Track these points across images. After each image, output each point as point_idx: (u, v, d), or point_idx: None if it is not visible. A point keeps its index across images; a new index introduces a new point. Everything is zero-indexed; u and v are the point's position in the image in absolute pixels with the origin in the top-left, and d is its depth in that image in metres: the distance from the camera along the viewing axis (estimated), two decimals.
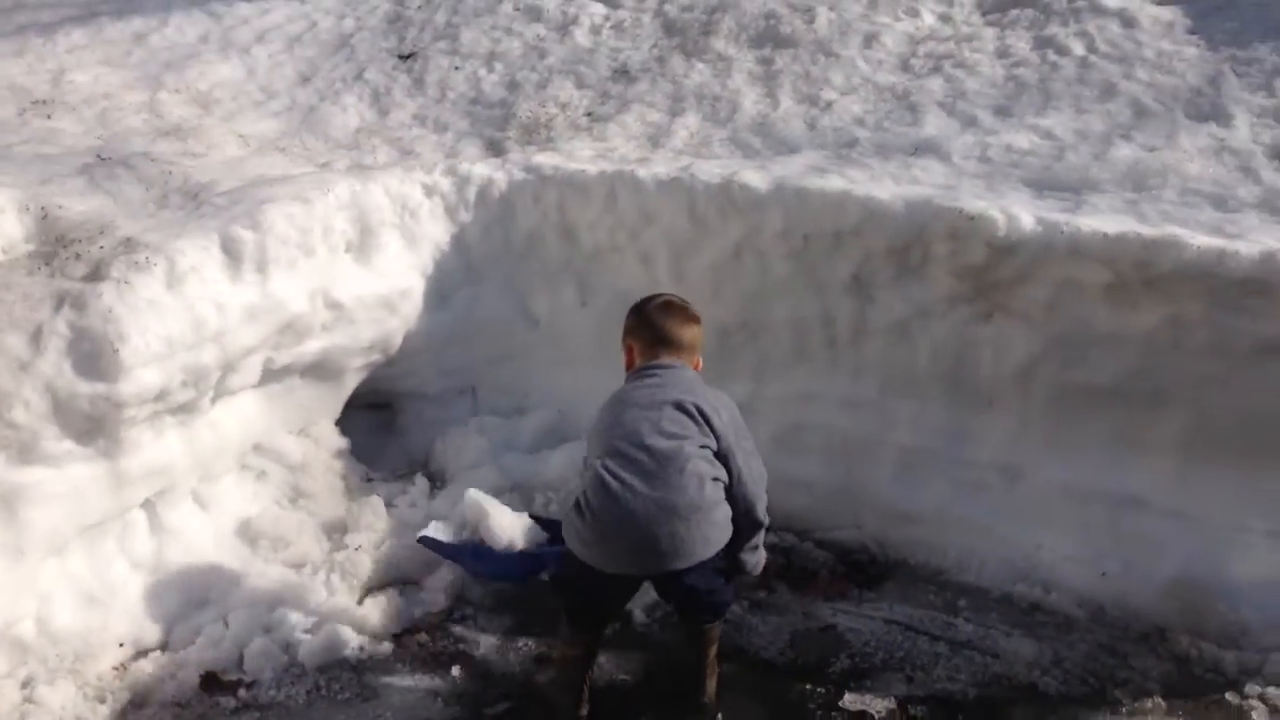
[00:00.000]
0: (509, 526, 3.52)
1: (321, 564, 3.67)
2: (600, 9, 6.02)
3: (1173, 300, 3.49)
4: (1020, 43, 4.99)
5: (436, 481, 4.27)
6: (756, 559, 3.11)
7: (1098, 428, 3.79)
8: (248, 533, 3.72)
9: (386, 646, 3.43)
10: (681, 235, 4.23)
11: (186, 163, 4.32)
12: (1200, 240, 3.36)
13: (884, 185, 3.99)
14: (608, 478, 2.83)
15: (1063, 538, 3.84)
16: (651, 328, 3.12)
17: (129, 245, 3.46)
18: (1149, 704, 3.26)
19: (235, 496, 3.78)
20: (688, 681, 3.12)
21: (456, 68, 5.69)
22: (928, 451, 4.06)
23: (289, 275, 3.75)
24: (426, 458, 4.46)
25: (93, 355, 3.16)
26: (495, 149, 4.90)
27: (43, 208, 3.69)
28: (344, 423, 4.30)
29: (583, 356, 4.56)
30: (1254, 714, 3.21)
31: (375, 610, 3.51)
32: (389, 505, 3.98)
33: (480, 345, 4.60)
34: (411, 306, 4.24)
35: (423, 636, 3.52)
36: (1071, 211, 3.72)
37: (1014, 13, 5.26)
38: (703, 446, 2.88)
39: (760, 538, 3.08)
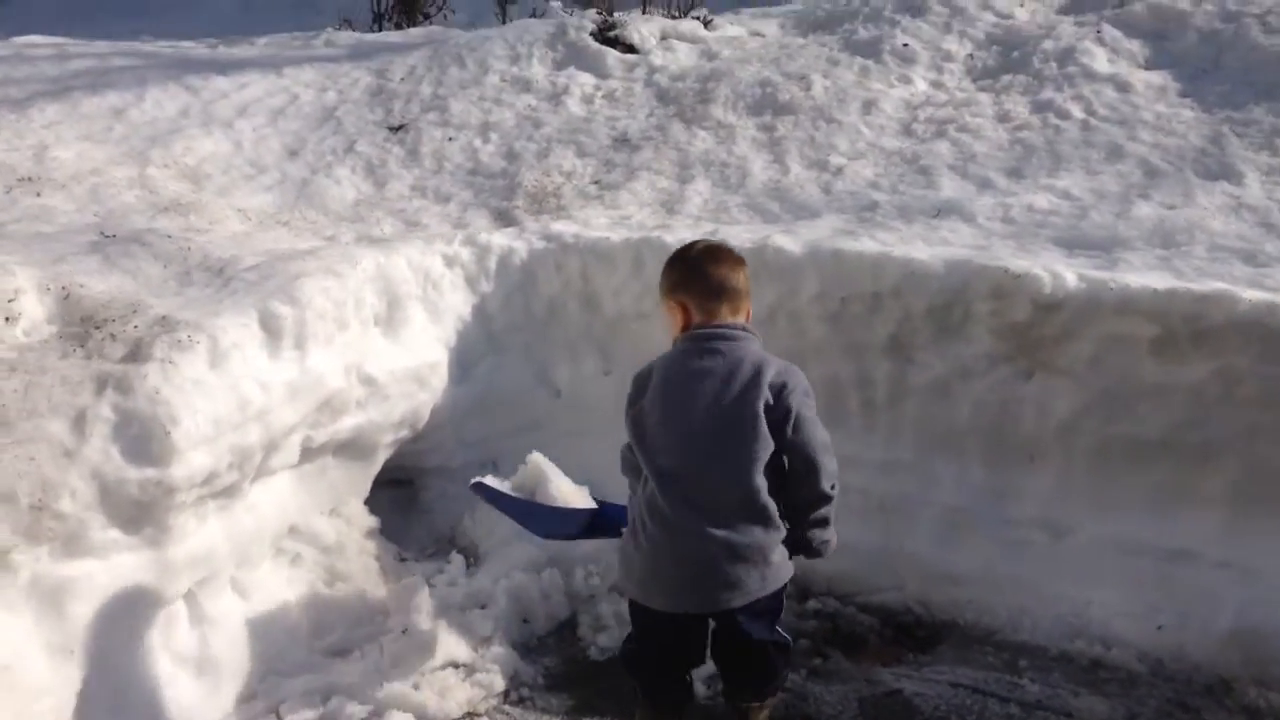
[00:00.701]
0: (570, 495, 3.35)
1: (369, 649, 3.50)
2: (589, 79, 6.04)
3: (1221, 353, 3.53)
4: (1018, 107, 5.10)
5: (469, 558, 4.12)
6: (825, 536, 2.80)
7: (1143, 481, 3.80)
8: (288, 620, 3.53)
9: None
10: None
11: (198, 239, 4.18)
12: (1251, 294, 3.42)
13: (916, 246, 4.02)
14: (662, 505, 2.65)
15: (1113, 593, 3.81)
16: (705, 278, 2.79)
17: (165, 324, 3.31)
18: None
19: (273, 582, 3.60)
20: None
21: (450, 139, 5.64)
22: (969, 511, 4.03)
23: (326, 351, 3.63)
24: (453, 534, 4.32)
25: (142, 439, 2.99)
26: (505, 219, 4.85)
27: (63, 287, 3.53)
28: (369, 502, 4.15)
29: (606, 426, 4.44)
30: None
31: (432, 694, 3.34)
32: (429, 585, 3.83)
33: (501, 417, 4.49)
34: (439, 380, 4.14)
35: None
36: (1109, 269, 3.77)
37: (1005, 78, 5.40)
38: (765, 447, 2.65)
39: (827, 511, 2.77)
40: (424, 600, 3.74)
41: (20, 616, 2.82)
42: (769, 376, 2.67)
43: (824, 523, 2.77)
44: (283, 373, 3.46)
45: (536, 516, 3.35)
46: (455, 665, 3.54)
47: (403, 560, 4.05)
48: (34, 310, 3.42)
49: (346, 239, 4.63)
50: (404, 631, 3.56)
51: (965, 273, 3.77)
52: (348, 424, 3.75)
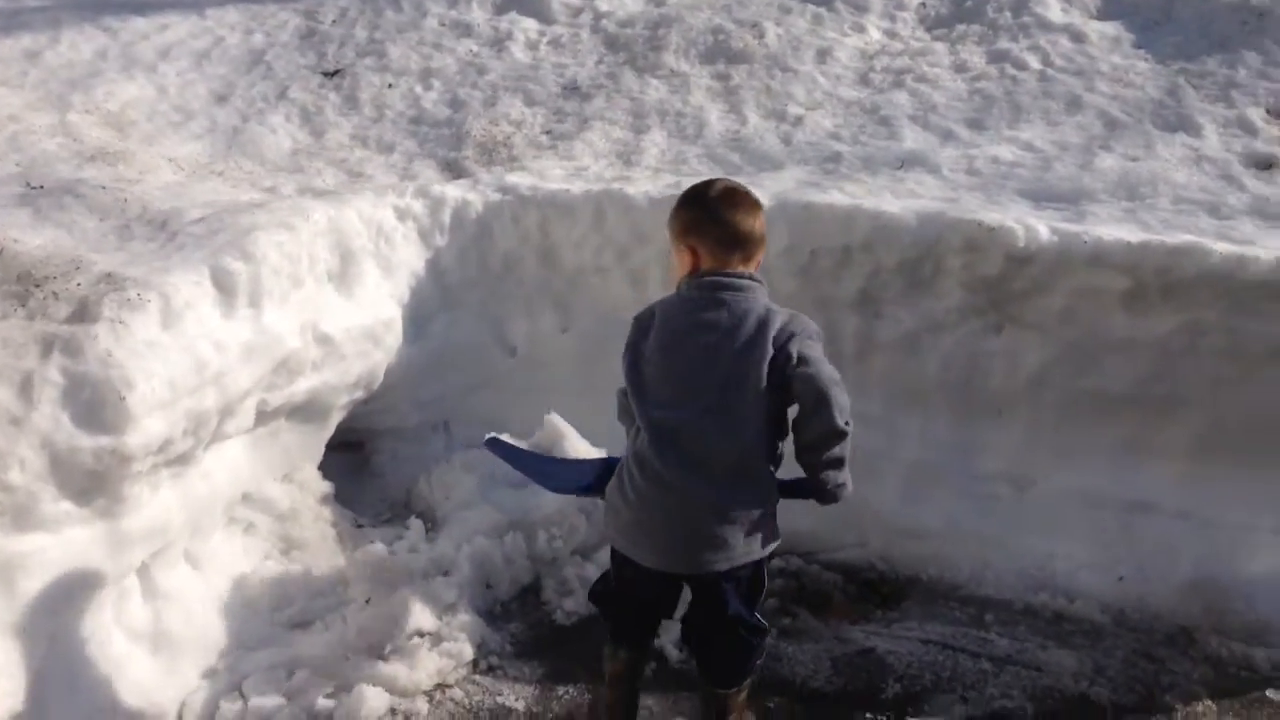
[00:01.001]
0: (585, 454, 3.34)
1: (332, 620, 3.36)
2: (533, 24, 5.83)
3: (1190, 306, 3.55)
4: (974, 57, 5.05)
5: (427, 523, 3.98)
6: (840, 478, 2.60)
7: (1108, 434, 3.83)
8: (246, 592, 3.38)
9: (421, 705, 3.16)
10: None
11: (132, 189, 3.93)
12: (1222, 246, 3.43)
13: (885, 199, 3.95)
14: (653, 459, 2.55)
15: (1076, 545, 3.85)
16: (721, 223, 2.63)
17: (112, 281, 3.10)
18: (1200, 707, 3.27)
19: (226, 553, 3.44)
20: None
21: (390, 85, 5.41)
22: (935, 465, 4.02)
23: (281, 309, 3.45)
24: (408, 498, 4.18)
25: (94, 405, 2.79)
26: (454, 169, 4.66)
27: None
28: (321, 466, 3.98)
29: (564, 383, 4.36)
30: None
31: (401, 666, 3.22)
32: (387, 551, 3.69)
33: (455, 376, 4.35)
34: (393, 338, 3.98)
35: (456, 692, 3.26)
36: (1078, 221, 3.75)
37: (960, 28, 5.33)
38: (766, 404, 2.54)
39: (841, 450, 2.56)
40: (386, 568, 3.61)
41: None
42: (774, 329, 2.54)
43: (839, 463, 2.58)
44: (238, 333, 3.27)
45: (550, 469, 3.26)
46: (421, 634, 3.41)
47: (359, 527, 3.91)
48: None
49: (288, 190, 4.40)
50: (367, 601, 3.43)
51: (938, 226, 3.72)
52: (303, 386, 3.58)
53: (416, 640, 3.37)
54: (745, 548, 2.62)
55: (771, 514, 2.68)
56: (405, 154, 4.86)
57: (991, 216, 3.66)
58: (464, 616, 3.49)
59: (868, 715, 3.24)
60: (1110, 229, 3.64)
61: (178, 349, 3.04)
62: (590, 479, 3.05)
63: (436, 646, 3.38)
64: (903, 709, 3.27)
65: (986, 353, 3.88)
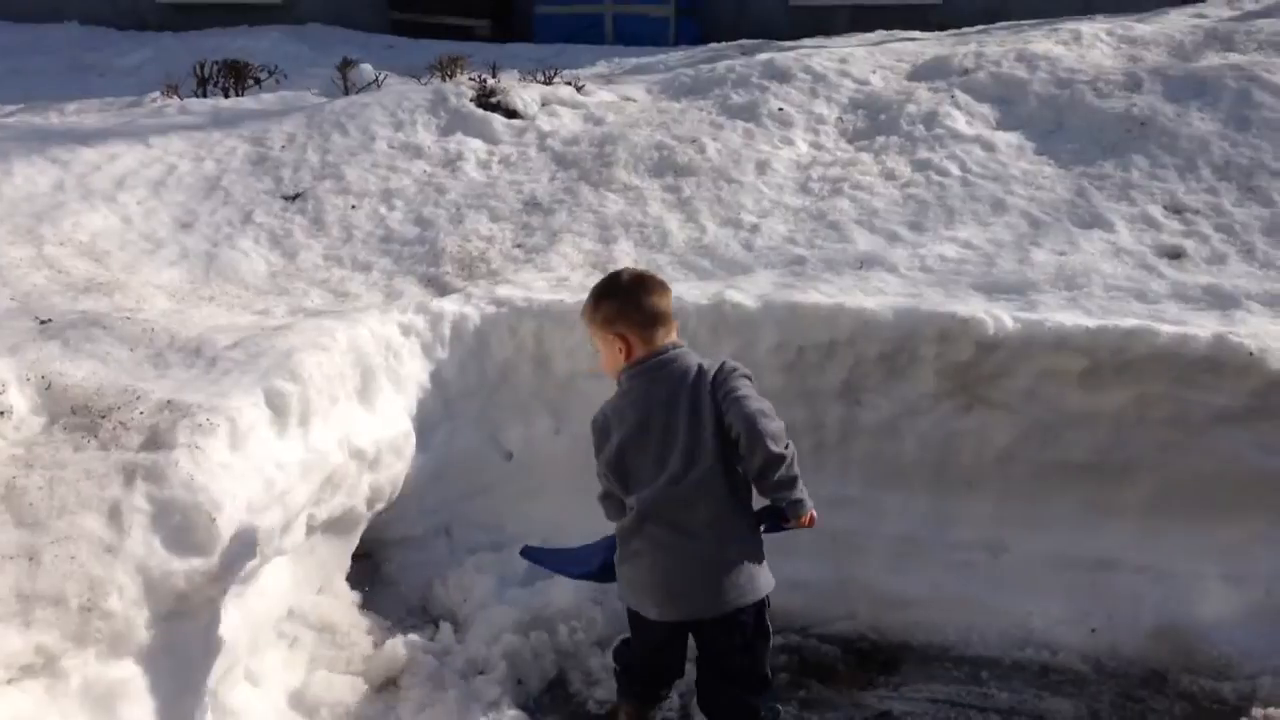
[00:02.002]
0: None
1: None
2: (480, 144, 6.14)
3: (1140, 381, 4.02)
4: (900, 166, 5.57)
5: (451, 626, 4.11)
6: (795, 495, 2.89)
7: (1070, 499, 4.24)
8: (303, 704, 3.46)
9: None
10: None
11: (145, 318, 4.03)
12: (1166, 328, 3.92)
13: (856, 297, 4.35)
14: (642, 526, 2.92)
15: (1051, 602, 4.22)
16: (641, 309, 2.97)
17: (175, 409, 3.22)
18: None
19: (279, 668, 3.51)
20: None
21: (354, 206, 5.62)
22: (915, 538, 4.36)
23: (324, 426, 3.60)
24: (424, 603, 4.30)
25: (184, 528, 2.91)
26: (437, 285, 4.88)
27: (42, 376, 3.37)
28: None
29: (558, 484, 4.57)
30: None
31: None
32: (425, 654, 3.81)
33: (455, 482, 4.51)
34: (410, 449, 4.14)
35: None
36: (1030, 310, 4.22)
37: (880, 139, 5.87)
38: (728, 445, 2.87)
39: (785, 472, 2.84)
40: (424, 667, 3.74)
41: None
42: (710, 375, 2.92)
43: (789, 483, 2.89)
44: (292, 451, 3.42)
45: (580, 555, 3.45)
46: None
47: (391, 633, 4.00)
48: (18, 402, 3.25)
49: (280, 312, 4.55)
50: (423, 707, 3.55)
51: (915, 319, 4.13)
52: (343, 500, 3.71)
53: None
54: (738, 592, 2.95)
55: (759, 554, 3.03)
56: (384, 272, 5.06)
57: (962, 309, 4.09)
58: (509, 712, 3.64)
59: None
60: (1063, 316, 4.11)
61: (249, 470, 3.17)
62: (605, 553, 3.28)
63: None
64: None
65: (958, 432, 4.27)
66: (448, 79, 7.67)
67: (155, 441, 3.09)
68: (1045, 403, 4.15)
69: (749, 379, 2.95)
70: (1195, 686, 3.92)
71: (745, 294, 4.34)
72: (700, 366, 2.95)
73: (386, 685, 3.67)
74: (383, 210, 5.58)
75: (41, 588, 2.66)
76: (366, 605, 4.15)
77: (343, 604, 3.87)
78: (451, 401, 4.47)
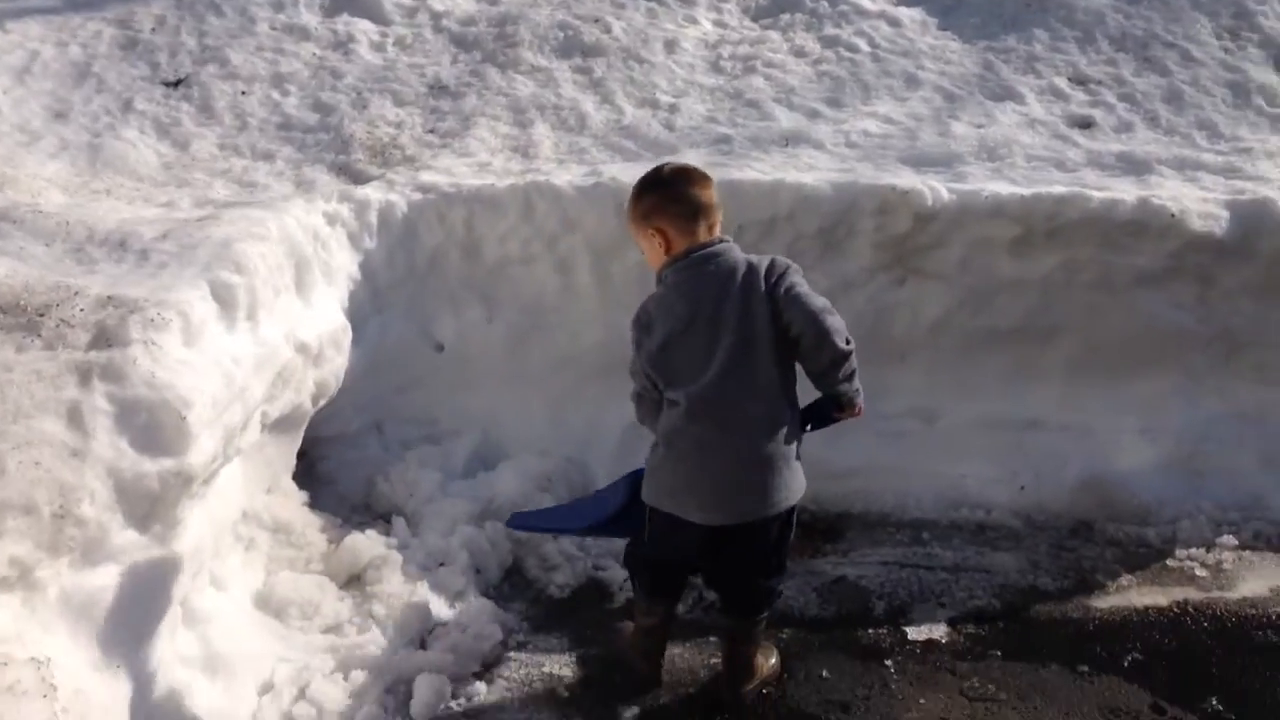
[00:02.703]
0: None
1: (361, 621, 3.39)
2: (370, 25, 5.82)
3: (1069, 246, 4.16)
4: (809, 43, 5.54)
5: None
6: (856, 386, 2.90)
7: (998, 364, 4.40)
8: (271, 605, 3.35)
9: (480, 687, 3.26)
10: (606, 239, 4.29)
11: (64, 214, 3.73)
12: (1097, 193, 4.05)
13: (791, 173, 4.34)
14: (690, 425, 2.78)
15: (981, 464, 4.40)
16: (681, 200, 2.85)
17: (120, 304, 2.99)
18: (1125, 580, 3.86)
19: (237, 570, 3.37)
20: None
21: (244, 93, 5.27)
22: None
23: (270, 320, 3.41)
24: (367, 500, 4.19)
25: (153, 428, 2.72)
26: (350, 173, 4.65)
27: None
28: None
29: (491, 375, 4.50)
30: (1195, 570, 3.92)
31: (446, 654, 3.32)
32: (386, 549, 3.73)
33: (388, 376, 4.38)
34: (348, 343, 3.97)
35: (503, 669, 3.37)
36: (960, 181, 4.29)
37: (784, 17, 5.81)
38: (778, 347, 2.79)
39: (850, 365, 2.84)
40: (388, 563, 3.67)
41: (57, 635, 2.52)
42: (761, 273, 2.81)
43: (852, 376, 2.88)
44: (243, 346, 3.23)
45: (580, 509, 3.38)
46: (444, 623, 3.52)
47: (343, 528, 3.89)
48: None
49: (185, 205, 4.26)
50: (389, 599, 3.47)
51: (854, 192, 4.15)
52: (291, 396, 3.54)
53: (446, 628, 3.47)
54: (785, 494, 2.92)
55: (799, 451, 2.96)
56: (289, 161, 4.78)
57: (901, 181, 4.13)
58: (476, 601, 3.62)
59: (871, 631, 3.63)
60: (994, 186, 4.20)
61: (208, 365, 2.99)
62: (623, 496, 3.12)
63: (465, 631, 3.48)
64: (897, 621, 3.68)
65: (892, 304, 4.36)
66: None
67: (105, 339, 2.87)
68: (977, 271, 4.26)
69: (800, 274, 2.87)
70: (1121, 533, 4.16)
71: None
72: (750, 263, 2.83)
73: (350, 582, 3.57)
74: (276, 96, 5.25)
75: (9, 496, 2.47)
76: (312, 504, 4.02)
77: (293, 503, 3.74)
78: (380, 292, 4.30)
